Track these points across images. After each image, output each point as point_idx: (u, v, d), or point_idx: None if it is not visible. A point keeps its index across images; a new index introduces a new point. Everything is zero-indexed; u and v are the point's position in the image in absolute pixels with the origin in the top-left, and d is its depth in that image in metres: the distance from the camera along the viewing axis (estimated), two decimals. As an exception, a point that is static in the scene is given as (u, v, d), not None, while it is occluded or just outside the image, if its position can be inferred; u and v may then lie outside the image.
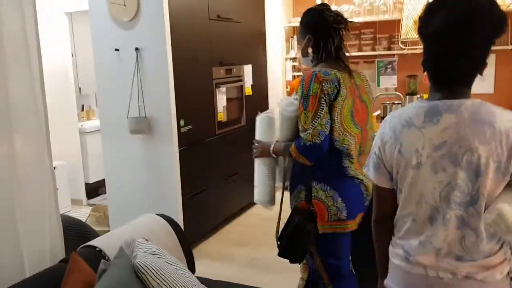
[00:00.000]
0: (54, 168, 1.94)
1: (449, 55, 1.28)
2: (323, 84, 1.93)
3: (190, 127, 3.73)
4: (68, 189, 5.01)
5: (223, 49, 4.17)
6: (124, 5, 3.52)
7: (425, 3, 1.37)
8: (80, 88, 5.36)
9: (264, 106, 5.03)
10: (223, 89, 4.17)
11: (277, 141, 2.15)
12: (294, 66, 5.33)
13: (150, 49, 3.49)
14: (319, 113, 1.92)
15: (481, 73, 1.31)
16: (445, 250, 1.31)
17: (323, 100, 1.92)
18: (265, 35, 4.97)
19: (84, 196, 5.25)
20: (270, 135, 2.21)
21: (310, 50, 2.09)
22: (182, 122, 3.63)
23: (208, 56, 3.97)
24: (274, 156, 2.15)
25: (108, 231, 3.49)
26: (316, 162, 1.99)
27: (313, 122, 1.92)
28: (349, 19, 2.11)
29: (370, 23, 4.97)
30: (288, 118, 2.06)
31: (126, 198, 3.80)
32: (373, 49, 5.01)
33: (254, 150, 2.23)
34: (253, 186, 2.31)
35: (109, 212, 3.96)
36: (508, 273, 1.33)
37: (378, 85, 5.03)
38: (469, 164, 1.26)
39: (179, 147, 3.62)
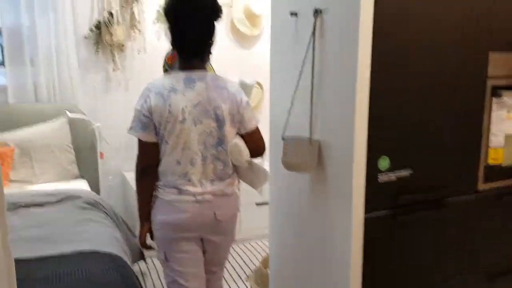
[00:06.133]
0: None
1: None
2: None
3: (406, 173, 1.83)
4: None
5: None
6: None
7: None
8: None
9: None
10: (509, 100, 1.99)
11: None
12: None
13: (336, 11, 1.74)
14: None
15: (210, 52, 1.97)
16: (203, 180, 1.93)
17: None
18: None
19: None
20: None
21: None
22: (383, 162, 1.77)
23: (476, 29, 1.87)
24: None
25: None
26: None
27: None
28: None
29: None
30: None
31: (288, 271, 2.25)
32: None
33: None
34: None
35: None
36: (238, 188, 2.07)
37: None
38: (217, 117, 1.88)
39: (368, 209, 1.78)
